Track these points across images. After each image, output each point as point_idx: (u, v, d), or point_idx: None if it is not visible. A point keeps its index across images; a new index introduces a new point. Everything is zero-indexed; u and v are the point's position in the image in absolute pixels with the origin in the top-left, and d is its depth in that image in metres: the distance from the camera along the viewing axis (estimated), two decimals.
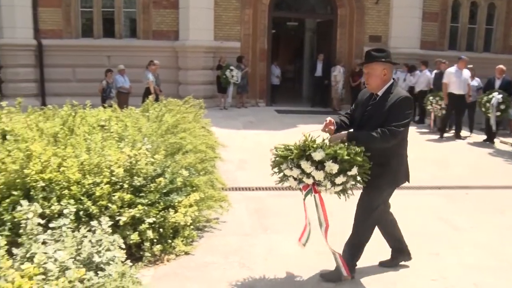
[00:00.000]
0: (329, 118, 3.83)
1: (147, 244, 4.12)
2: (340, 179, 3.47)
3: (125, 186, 4.16)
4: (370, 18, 16.26)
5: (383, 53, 3.77)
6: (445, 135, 11.56)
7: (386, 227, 4.12)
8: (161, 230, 4.24)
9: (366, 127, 3.66)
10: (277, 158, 3.62)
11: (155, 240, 4.19)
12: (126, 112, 6.53)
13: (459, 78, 11.16)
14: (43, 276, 2.14)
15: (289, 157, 3.51)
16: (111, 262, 2.57)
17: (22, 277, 2.11)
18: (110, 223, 2.66)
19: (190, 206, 4.48)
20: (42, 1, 14.97)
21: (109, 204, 4.01)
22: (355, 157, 3.43)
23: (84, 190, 4.07)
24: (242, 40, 15.62)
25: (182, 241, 4.42)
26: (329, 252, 3.87)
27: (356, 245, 3.90)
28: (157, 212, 4.19)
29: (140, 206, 4.08)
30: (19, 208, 3.87)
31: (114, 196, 4.05)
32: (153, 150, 4.77)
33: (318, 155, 3.38)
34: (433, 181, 7.23)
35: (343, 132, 3.72)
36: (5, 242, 2.33)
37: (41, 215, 3.75)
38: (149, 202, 4.18)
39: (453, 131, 11.70)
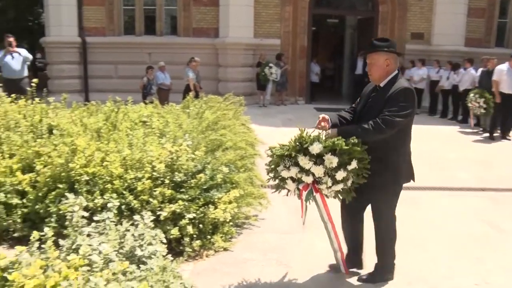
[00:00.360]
0: (322, 115, 3.66)
1: (187, 239, 4.16)
2: (340, 174, 3.32)
3: (166, 181, 4.21)
4: (412, 15, 15.93)
5: (386, 42, 3.63)
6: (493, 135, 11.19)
7: (353, 227, 3.93)
8: (200, 225, 4.28)
9: (364, 120, 3.50)
10: (272, 159, 3.49)
11: (194, 236, 4.23)
12: (167, 108, 6.61)
13: (510, 77, 10.76)
14: (88, 268, 2.19)
15: (285, 154, 3.37)
16: (152, 256, 2.61)
17: (68, 267, 2.16)
18: (152, 217, 2.68)
19: (230, 202, 4.50)
20: (87, 0, 15.33)
21: (150, 199, 4.07)
22: (354, 147, 3.30)
23: (126, 184, 4.15)
24: (282, 37, 15.58)
25: (221, 237, 4.44)
26: (370, 252, 3.81)
27: (386, 245, 3.81)
28: (197, 208, 4.22)
29: (180, 202, 4.13)
30: (64, 200, 4.01)
31: (155, 191, 4.11)
32: (193, 146, 4.81)
33: (316, 148, 3.25)
34: (477, 183, 7.03)
35: (333, 130, 3.55)
36: (52, 233, 2.38)
37: (85, 208, 3.85)
38: (190, 198, 4.22)
39: (499, 131, 11.31)
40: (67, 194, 3.91)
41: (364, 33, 16.98)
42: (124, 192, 4.07)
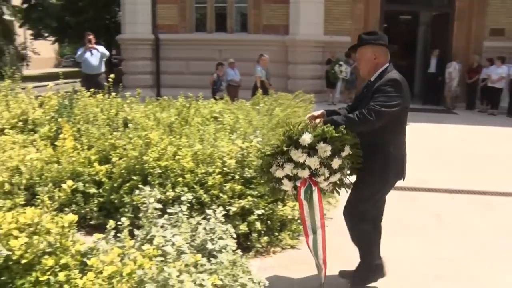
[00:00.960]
0: (317, 112, 3.52)
1: (255, 235, 4.18)
2: (336, 162, 3.15)
3: (236, 177, 4.26)
4: (493, 10, 15.11)
5: (373, 35, 3.47)
6: None
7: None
8: (269, 222, 4.28)
9: None
10: (263, 160, 3.34)
11: (262, 232, 4.24)
12: (237, 105, 6.68)
13: None
14: (162, 258, 2.24)
15: (277, 152, 3.21)
16: (223, 250, 2.64)
17: (143, 257, 2.22)
18: (224, 212, 2.72)
19: None
20: None
21: (220, 194, 4.12)
22: (345, 136, 3.15)
23: (197, 178, 4.23)
24: (353, 34, 15.31)
25: (289, 234, 4.43)
26: (449, 258, 3.64)
27: (362, 245, 3.61)
28: (266, 204, 4.23)
29: (249, 198, 4.15)
30: (137, 192, 4.14)
31: (225, 186, 4.16)
32: (263, 143, 4.82)
33: (306, 138, 3.08)
34: None
35: (321, 119, 3.38)
36: (129, 223, 2.46)
37: (157, 200, 3.97)
38: (259, 194, 4.24)
39: None
40: (140, 186, 4.07)
41: (439, 30, 16.38)
42: (195, 186, 4.15)
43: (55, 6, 21.06)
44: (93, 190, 4.36)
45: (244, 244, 4.22)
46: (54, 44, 33.78)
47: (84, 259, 2.44)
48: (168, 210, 2.62)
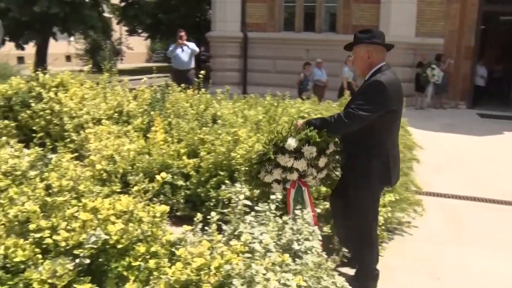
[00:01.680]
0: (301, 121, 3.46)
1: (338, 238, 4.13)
2: (323, 161, 3.26)
3: None
4: None
5: (368, 34, 3.34)
6: None
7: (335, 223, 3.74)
8: None
9: None
10: (252, 168, 3.37)
11: None
12: (324, 105, 6.63)
13: None
14: (250, 255, 2.27)
15: (264, 159, 3.24)
16: (308, 252, 2.62)
17: (231, 252, 2.26)
18: (311, 213, 2.71)
19: (384, 206, 4.36)
20: None
21: None
22: (328, 138, 3.22)
23: None
24: (446, 36, 14.69)
25: None
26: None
27: (361, 249, 3.49)
28: None
29: None
30: (223, 187, 4.22)
31: (311, 187, 4.14)
32: None
33: (292, 144, 3.14)
34: None
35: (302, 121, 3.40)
36: (218, 217, 2.52)
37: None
38: None
39: None
40: (227, 181, 4.15)
41: None
42: None
43: (149, 4, 22.02)
44: (180, 182, 4.49)
45: (327, 246, 4.18)
46: (147, 40, 35.26)
47: (173, 249, 2.53)
48: (256, 208, 2.65)
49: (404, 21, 14.37)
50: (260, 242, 2.33)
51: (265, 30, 16.08)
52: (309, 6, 16.05)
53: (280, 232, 2.65)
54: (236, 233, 2.48)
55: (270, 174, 3.30)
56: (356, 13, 15.37)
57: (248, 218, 2.56)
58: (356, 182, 3.32)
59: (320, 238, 2.83)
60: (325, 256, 2.77)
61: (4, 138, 3.51)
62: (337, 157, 3.38)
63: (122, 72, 9.08)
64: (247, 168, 3.61)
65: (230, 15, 15.88)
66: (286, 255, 2.30)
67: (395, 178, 3.40)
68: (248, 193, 2.65)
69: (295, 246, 2.57)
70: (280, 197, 2.99)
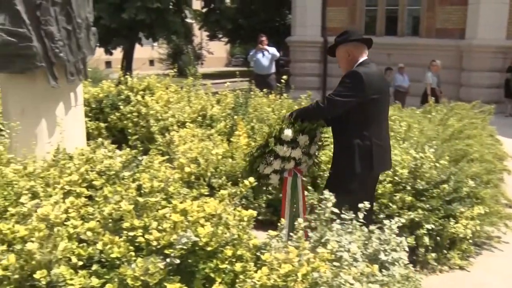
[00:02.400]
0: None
1: (422, 250, 3.99)
2: (313, 148, 3.62)
3: (408, 187, 4.10)
4: None
5: (344, 35, 3.59)
6: None
7: None
8: (438, 238, 4.06)
9: None
10: (253, 162, 3.60)
11: (430, 248, 4.03)
12: (407, 112, 6.44)
13: None
14: (338, 263, 2.24)
15: (266, 151, 3.50)
16: (395, 263, 2.55)
17: (319, 260, 2.24)
18: (400, 224, 2.63)
19: (472, 219, 4.17)
20: (331, 1, 15.90)
21: (390, 203, 4.01)
22: (321, 127, 3.60)
23: None
24: None
25: (458, 254, 4.16)
26: None
27: None
28: (437, 219, 4.01)
29: (420, 210, 3.97)
30: (306, 193, 4.20)
31: (395, 196, 4.03)
32: (436, 154, 4.58)
33: (288, 134, 3.41)
34: None
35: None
36: (305, 225, 2.50)
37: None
38: (430, 208, 4.03)
39: None
40: (310, 187, 4.13)
41: None
42: None
43: (230, 10, 22.46)
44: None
45: (409, 258, 4.05)
46: (227, 45, 35.97)
47: (258, 254, 2.55)
48: (343, 216, 2.61)
49: (494, 23, 13.67)
50: (348, 251, 2.29)
51: None
52: (391, 9, 15.70)
53: (366, 242, 2.59)
54: (322, 240, 2.46)
55: (270, 166, 3.57)
56: (441, 16, 14.83)
57: (335, 225, 2.53)
58: (339, 163, 3.59)
59: (407, 249, 2.75)
60: (412, 268, 2.69)
61: (100, 140, 3.71)
62: (320, 143, 3.77)
63: (203, 76, 9.30)
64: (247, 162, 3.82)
65: (310, 19, 15.85)
66: (376, 266, 2.24)
67: (379, 166, 3.56)
68: (333, 200, 2.62)
69: (382, 256, 2.51)
70: (368, 206, 2.93)
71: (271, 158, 3.52)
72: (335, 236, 2.44)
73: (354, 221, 2.59)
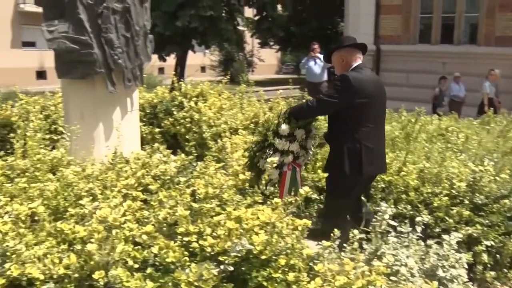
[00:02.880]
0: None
1: (480, 267, 3.83)
2: (309, 142, 3.84)
3: (465, 201, 3.95)
4: None
5: (338, 43, 3.92)
6: None
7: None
8: (497, 256, 3.88)
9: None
10: (254, 157, 3.74)
11: (489, 265, 3.86)
12: (464, 122, 6.24)
13: None
14: (394, 278, 2.18)
15: (266, 145, 3.69)
16: (454, 280, 2.46)
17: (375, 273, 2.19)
18: (459, 239, 2.53)
19: None
20: (384, 9, 15.65)
21: (446, 217, 3.87)
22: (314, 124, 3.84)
23: (421, 198, 4.05)
24: None
25: None
26: None
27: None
28: (497, 235, 3.84)
29: (478, 226, 3.81)
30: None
31: (452, 210, 3.89)
32: (496, 168, 4.40)
33: (285, 129, 3.62)
34: None
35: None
36: (360, 236, 2.45)
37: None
38: (489, 224, 3.87)
39: None
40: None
41: None
42: (419, 206, 3.97)
43: (282, 18, 22.50)
44: (314, 196, 4.48)
45: (467, 275, 3.90)
46: (278, 52, 36.06)
47: (311, 264, 2.52)
48: (399, 228, 2.54)
49: None
50: (405, 265, 2.23)
51: (399, 42, 15.59)
52: (448, 17, 15.28)
53: (423, 256, 2.51)
54: (378, 253, 2.40)
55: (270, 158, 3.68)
56: (501, 23, 14.30)
57: (391, 238, 2.47)
58: (331, 163, 3.76)
59: (466, 266, 2.65)
60: (472, 287, 2.59)
61: (156, 145, 3.78)
62: (316, 138, 3.98)
63: (254, 83, 9.35)
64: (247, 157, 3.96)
65: (363, 27, 15.66)
66: (435, 283, 2.17)
67: (369, 169, 3.60)
68: (391, 212, 2.55)
69: (440, 272, 2.43)
70: (426, 219, 2.84)
71: (270, 152, 3.69)
72: (391, 249, 2.38)
73: (411, 235, 2.52)
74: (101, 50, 4.68)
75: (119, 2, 4.74)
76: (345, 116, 3.56)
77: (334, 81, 3.66)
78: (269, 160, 3.48)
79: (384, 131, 3.90)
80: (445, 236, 2.51)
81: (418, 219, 2.49)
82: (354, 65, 3.67)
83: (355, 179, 3.59)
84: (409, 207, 3.96)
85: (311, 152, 4.00)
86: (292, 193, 3.71)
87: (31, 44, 30.56)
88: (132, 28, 4.89)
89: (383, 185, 4.15)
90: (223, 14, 19.66)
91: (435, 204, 3.94)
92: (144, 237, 2.48)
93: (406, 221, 3.26)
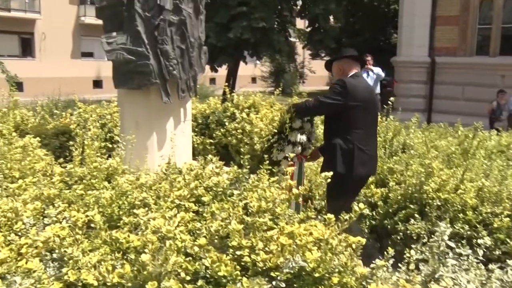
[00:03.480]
0: None
1: None
2: (313, 136, 4.31)
3: None
4: None
5: (336, 54, 4.37)
6: None
7: None
8: None
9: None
10: (272, 146, 4.10)
11: None
12: None
13: None
14: None
15: (284, 136, 4.03)
16: None
17: None
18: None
19: None
20: (440, 20, 15.27)
21: (507, 239, 3.69)
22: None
23: (480, 218, 3.87)
24: None
25: None
26: None
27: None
28: None
29: None
30: (412, 221, 4.01)
31: None
32: None
33: (298, 123, 4.03)
34: None
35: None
36: (418, 257, 2.37)
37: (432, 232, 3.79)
38: None
39: None
40: (416, 215, 3.94)
41: None
42: (478, 226, 3.80)
43: (334, 29, 22.32)
44: (366, 211, 4.38)
45: None
46: None
47: (364, 283, 2.44)
48: (457, 250, 2.43)
49: None
50: None
51: (455, 54, 15.15)
52: (508, 27, 14.73)
53: (485, 281, 2.39)
54: (436, 276, 2.30)
55: (282, 152, 4.06)
56: None
57: (450, 261, 2.36)
58: (325, 164, 3.97)
59: None
60: None
61: (210, 156, 3.80)
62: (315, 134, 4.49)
63: (302, 95, 9.22)
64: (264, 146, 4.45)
65: (417, 39, 15.34)
66: None
67: (360, 169, 3.81)
68: (448, 232, 2.44)
69: None
70: (488, 243, 2.71)
71: (285, 144, 4.06)
72: (449, 272, 2.27)
73: (471, 257, 2.40)
74: (156, 61, 4.78)
75: (176, 15, 4.83)
76: (340, 118, 3.86)
77: (332, 84, 3.97)
78: (286, 150, 4.00)
79: (376, 136, 4.25)
80: (510, 262, 2.38)
81: (480, 241, 2.37)
82: (351, 74, 4.01)
83: (347, 180, 3.80)
84: (466, 227, 3.80)
85: (312, 145, 4.38)
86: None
87: (89, 55, 31.82)
88: (187, 39, 4.97)
89: (439, 203, 4.00)
90: (275, 26, 19.71)
91: (495, 225, 3.76)
92: (196, 249, 2.48)
93: (463, 242, 3.13)
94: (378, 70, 11.41)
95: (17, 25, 28.36)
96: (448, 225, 3.76)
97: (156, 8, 4.72)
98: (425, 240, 3.77)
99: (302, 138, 4.06)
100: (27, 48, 29.47)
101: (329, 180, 3.59)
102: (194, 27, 5.12)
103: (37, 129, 5.97)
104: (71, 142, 4.57)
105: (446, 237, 2.37)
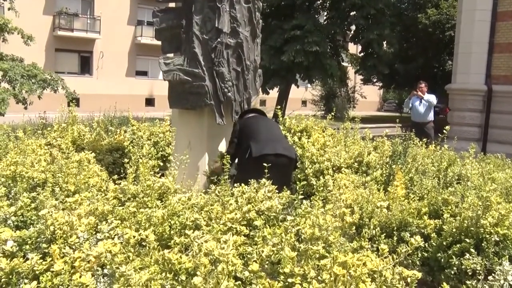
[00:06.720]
0: None
1: None
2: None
3: None
4: None
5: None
6: None
7: None
8: None
9: None
10: None
11: None
12: None
13: None
14: None
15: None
16: None
17: None
18: None
19: None
20: (499, 48, 14.85)
21: None
22: None
23: None
24: None
25: None
26: None
27: None
28: None
29: None
30: (467, 256, 3.85)
31: None
32: None
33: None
34: None
35: None
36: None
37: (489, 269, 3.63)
38: None
39: None
40: (472, 250, 3.78)
41: None
42: None
43: (388, 55, 22.14)
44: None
45: None
46: (380, 89, 35.50)
47: None
48: None
49: None
50: None
51: None
52: None
53: None
54: None
55: None
56: None
57: None
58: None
59: None
60: None
61: (263, 180, 3.79)
62: None
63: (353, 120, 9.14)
64: None
65: (473, 66, 14.95)
66: None
67: (258, 148, 4.57)
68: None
69: None
70: None
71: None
72: None
73: None
74: (212, 82, 4.86)
75: (233, 38, 4.91)
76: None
77: None
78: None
79: (271, 125, 5.18)
80: None
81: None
82: None
83: (251, 161, 4.46)
84: None
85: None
86: None
87: (143, 73, 32.82)
88: (243, 62, 5.04)
89: (497, 238, 3.82)
90: (328, 50, 19.74)
91: None
92: (247, 273, 2.46)
93: None
94: (429, 97, 11.18)
95: (78, 44, 29.72)
96: (507, 262, 3.62)
97: (214, 31, 4.82)
98: (481, 277, 3.65)
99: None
100: (85, 66, 30.77)
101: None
102: (251, 50, 5.18)
103: (92, 145, 6.15)
104: (125, 160, 4.68)
105: (510, 277, 2.25)
